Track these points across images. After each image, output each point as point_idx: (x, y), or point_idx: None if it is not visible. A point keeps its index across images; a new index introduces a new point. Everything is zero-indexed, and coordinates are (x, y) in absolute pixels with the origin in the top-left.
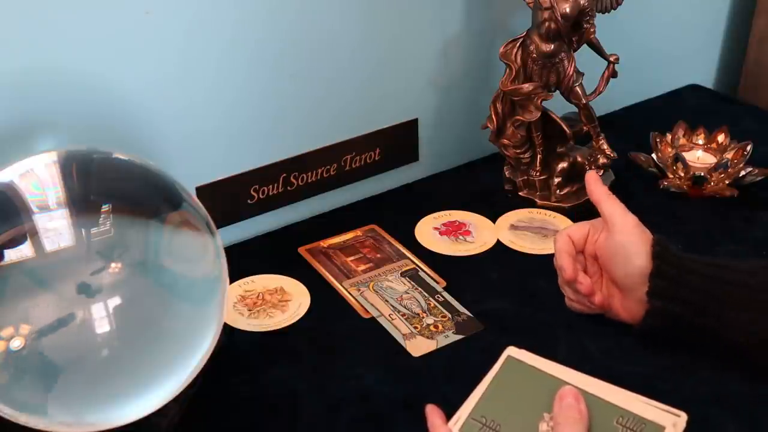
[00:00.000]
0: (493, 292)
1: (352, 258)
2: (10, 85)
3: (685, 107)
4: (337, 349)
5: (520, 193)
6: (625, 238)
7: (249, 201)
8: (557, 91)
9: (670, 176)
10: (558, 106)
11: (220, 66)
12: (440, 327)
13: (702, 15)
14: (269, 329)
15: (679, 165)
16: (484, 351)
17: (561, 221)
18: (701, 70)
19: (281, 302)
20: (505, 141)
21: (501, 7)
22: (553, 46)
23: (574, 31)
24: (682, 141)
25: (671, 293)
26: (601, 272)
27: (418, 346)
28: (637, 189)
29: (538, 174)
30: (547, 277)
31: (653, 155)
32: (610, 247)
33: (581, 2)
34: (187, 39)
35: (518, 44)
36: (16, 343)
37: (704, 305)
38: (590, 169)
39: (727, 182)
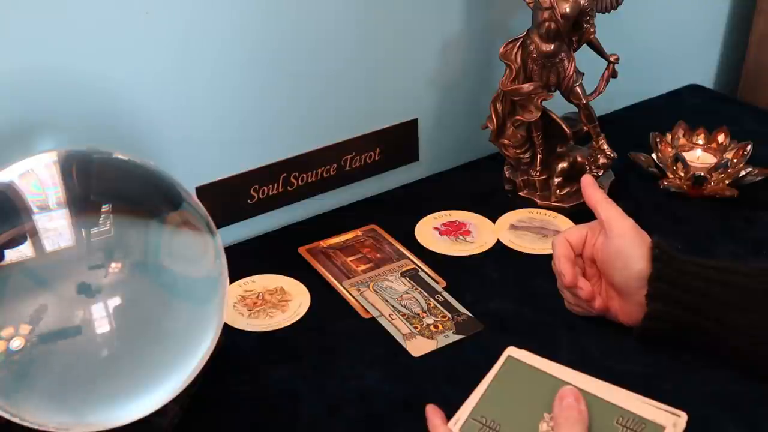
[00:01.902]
0: (493, 292)
1: (352, 258)
2: (10, 85)
3: (685, 107)
4: (337, 349)
5: (520, 193)
6: (623, 241)
7: (249, 201)
8: (557, 91)
9: (670, 176)
10: (558, 106)
11: (220, 66)
12: (440, 327)
13: (702, 15)
14: (269, 329)
15: (679, 165)
16: (484, 351)
17: (561, 221)
18: (701, 70)
19: (281, 302)
20: (505, 141)
21: (501, 7)
22: (553, 46)
23: (574, 31)
24: (682, 141)
25: (670, 296)
26: (599, 275)
27: (418, 346)
28: (637, 189)
29: (538, 174)
30: (547, 277)
31: (653, 155)
32: (609, 252)
33: (581, 2)
34: (187, 39)
35: (518, 44)
36: (16, 343)
37: (704, 308)
38: (590, 169)
39: (727, 182)
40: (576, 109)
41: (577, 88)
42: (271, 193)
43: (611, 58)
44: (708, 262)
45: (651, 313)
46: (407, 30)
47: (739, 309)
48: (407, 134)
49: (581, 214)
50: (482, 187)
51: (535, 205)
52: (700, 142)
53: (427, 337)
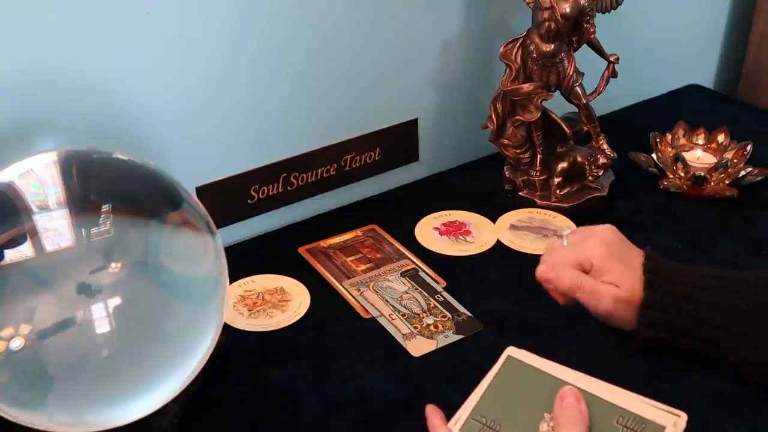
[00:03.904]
0: (493, 292)
1: (352, 258)
2: (10, 85)
3: (685, 107)
4: (337, 349)
5: (520, 193)
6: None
7: (249, 201)
8: (557, 91)
9: (670, 176)
10: (558, 106)
11: (220, 66)
12: (440, 327)
13: (702, 15)
14: (269, 329)
15: (679, 165)
16: (484, 351)
17: (561, 221)
18: (701, 70)
19: (281, 302)
20: (505, 141)
21: (501, 7)
22: (553, 46)
23: (574, 31)
24: (682, 141)
25: (662, 323)
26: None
27: (418, 346)
28: (637, 189)
29: (538, 174)
30: None
31: (653, 155)
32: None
33: (581, 2)
34: (187, 39)
35: (518, 44)
36: (16, 343)
37: (695, 332)
38: (590, 169)
39: (727, 182)
40: (576, 109)
41: (577, 88)
42: (271, 193)
43: (611, 58)
44: (701, 281)
45: (643, 338)
46: (407, 30)
47: (731, 331)
48: (407, 134)
49: (581, 213)
50: (482, 187)
51: (535, 205)
52: (700, 142)
53: (427, 337)
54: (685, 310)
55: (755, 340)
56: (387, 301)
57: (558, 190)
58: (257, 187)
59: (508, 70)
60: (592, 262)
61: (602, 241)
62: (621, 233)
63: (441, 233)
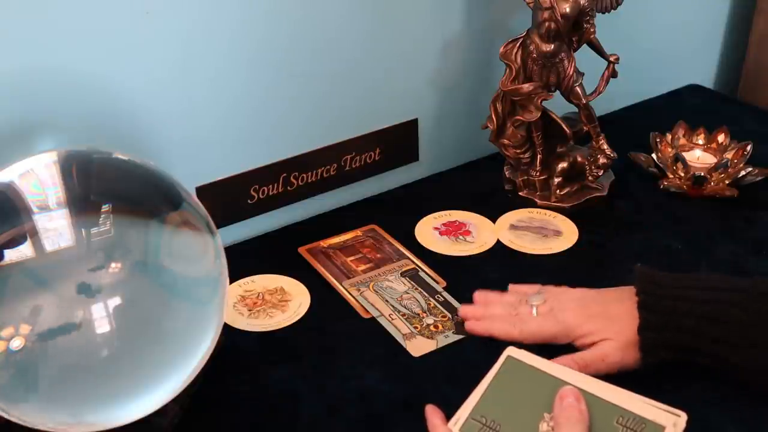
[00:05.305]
0: None
1: (352, 258)
2: (10, 85)
3: (685, 107)
4: (337, 349)
5: (520, 193)
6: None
7: (249, 201)
8: (557, 91)
9: (670, 176)
10: (558, 106)
11: (220, 66)
12: (440, 327)
13: (702, 15)
14: (269, 329)
15: (679, 165)
16: (484, 351)
17: (561, 221)
18: (701, 70)
19: (281, 302)
20: (505, 141)
21: (501, 7)
22: (553, 46)
23: (574, 31)
24: (682, 141)
25: (661, 341)
26: None
27: (418, 346)
28: (637, 189)
29: (538, 174)
30: (547, 277)
31: (653, 155)
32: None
33: (581, 2)
34: (187, 39)
35: (518, 44)
36: (16, 343)
37: (695, 347)
38: (590, 169)
39: (727, 182)
40: (576, 109)
41: (577, 88)
42: (271, 193)
43: (611, 58)
44: (700, 294)
45: (645, 363)
46: (407, 30)
47: (731, 344)
48: (407, 134)
49: (581, 213)
50: (482, 187)
51: (535, 205)
52: (700, 142)
53: (427, 337)
54: (685, 325)
55: (756, 351)
56: (387, 301)
57: (558, 190)
58: (257, 187)
59: (508, 70)
60: (576, 333)
61: (577, 306)
62: (585, 290)
63: (441, 233)
